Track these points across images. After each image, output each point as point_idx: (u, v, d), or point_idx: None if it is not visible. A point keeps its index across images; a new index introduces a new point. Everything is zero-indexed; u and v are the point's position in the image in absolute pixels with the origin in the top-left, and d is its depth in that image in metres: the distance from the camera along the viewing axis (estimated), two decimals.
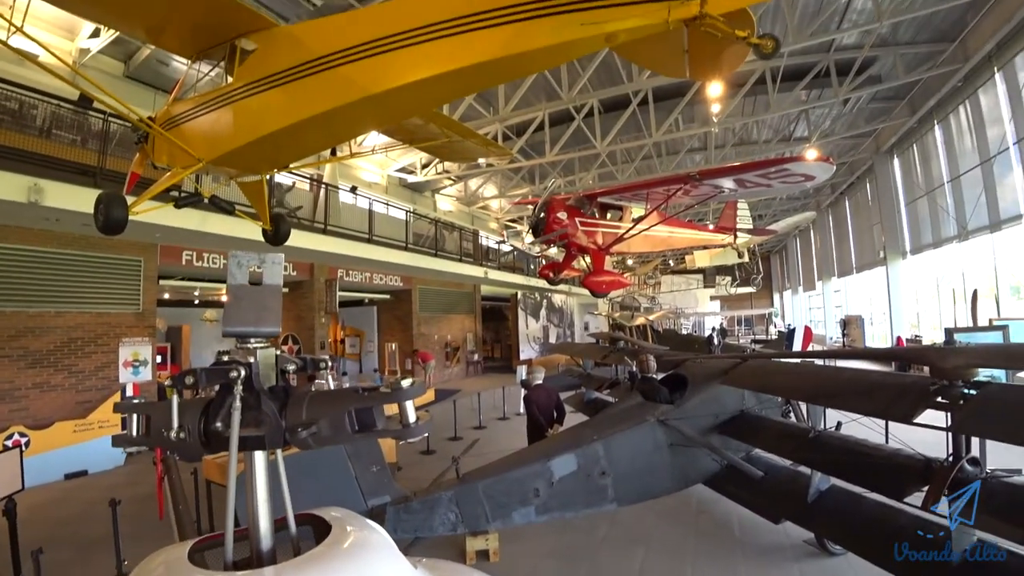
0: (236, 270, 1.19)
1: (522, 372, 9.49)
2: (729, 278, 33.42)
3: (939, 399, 3.34)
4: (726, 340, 23.13)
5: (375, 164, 22.48)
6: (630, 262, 26.96)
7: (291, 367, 1.22)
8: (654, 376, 6.46)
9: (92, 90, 5.03)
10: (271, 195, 6.45)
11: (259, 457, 1.12)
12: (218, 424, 1.11)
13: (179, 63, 11.96)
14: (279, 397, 1.15)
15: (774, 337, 28.46)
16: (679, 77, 4.35)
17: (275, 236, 6.64)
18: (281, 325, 1.23)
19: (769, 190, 8.84)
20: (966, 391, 3.28)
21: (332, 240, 14.23)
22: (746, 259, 22.04)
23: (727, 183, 8.08)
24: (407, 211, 19.27)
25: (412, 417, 1.11)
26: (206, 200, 6.13)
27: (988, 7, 15.24)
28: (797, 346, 17.88)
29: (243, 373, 1.08)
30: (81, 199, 8.35)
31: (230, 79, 4.55)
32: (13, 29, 4.13)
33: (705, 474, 5.73)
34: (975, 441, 3.61)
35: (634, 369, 7.61)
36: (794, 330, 20.54)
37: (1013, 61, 15.65)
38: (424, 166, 23.31)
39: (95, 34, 11.70)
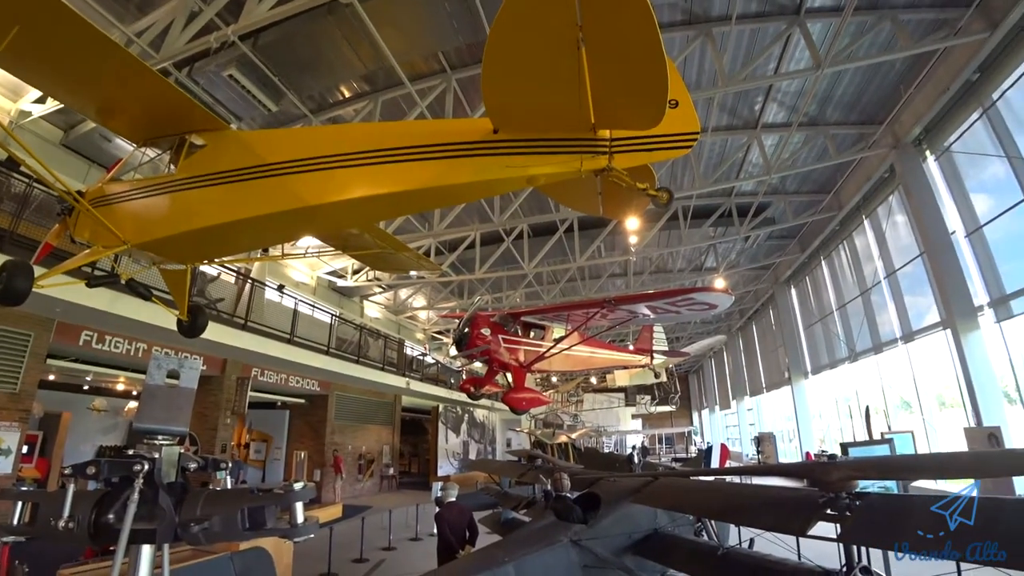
0: (155, 371, 1.25)
1: (437, 489, 9.12)
2: (649, 397, 34.37)
3: (828, 511, 3.50)
4: (647, 459, 23.34)
5: (306, 264, 22.35)
6: (554, 379, 27.31)
7: (192, 466, 1.27)
8: (568, 494, 6.42)
9: (23, 155, 4.81)
10: (192, 284, 6.28)
11: (146, 552, 1.11)
12: (110, 516, 1.10)
13: (123, 143, 11.65)
14: (176, 493, 1.18)
15: (694, 455, 29.06)
16: (594, 215, 4.95)
17: (191, 328, 6.30)
18: (189, 426, 1.30)
19: (679, 316, 9.63)
20: (853, 502, 3.49)
21: (250, 337, 13.66)
22: (664, 379, 23.02)
23: (640, 308, 8.74)
24: (333, 315, 18.96)
25: (300, 518, 1.20)
26: (123, 282, 5.83)
27: (851, 169, 18.96)
28: (715, 463, 18.41)
29: (146, 467, 1.11)
30: None
31: (173, 168, 4.66)
32: None
33: None
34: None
35: (548, 487, 7.54)
36: (711, 448, 21.26)
37: (876, 211, 19.12)
38: (355, 272, 23.45)
39: (41, 100, 11.41)
